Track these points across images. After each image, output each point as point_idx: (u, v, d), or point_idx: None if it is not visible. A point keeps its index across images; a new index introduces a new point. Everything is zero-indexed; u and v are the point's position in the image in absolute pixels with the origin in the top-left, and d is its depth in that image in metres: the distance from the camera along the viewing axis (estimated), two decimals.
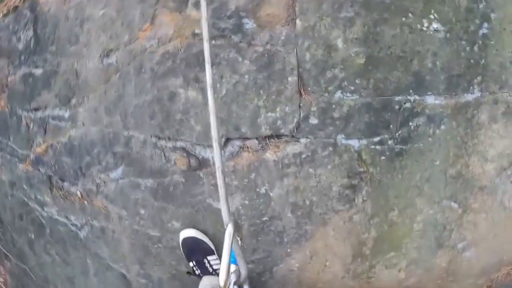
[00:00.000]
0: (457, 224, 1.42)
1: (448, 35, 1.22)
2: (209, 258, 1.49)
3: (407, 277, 1.50)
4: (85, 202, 1.59)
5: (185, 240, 1.48)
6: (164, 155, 1.41)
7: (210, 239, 1.49)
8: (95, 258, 1.72)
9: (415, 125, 1.30)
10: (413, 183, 1.35)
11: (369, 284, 1.51)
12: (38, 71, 1.57)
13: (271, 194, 1.36)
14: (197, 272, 1.50)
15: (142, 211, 1.51)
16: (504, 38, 1.24)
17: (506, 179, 1.39)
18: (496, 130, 1.32)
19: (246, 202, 1.39)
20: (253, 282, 1.53)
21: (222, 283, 0.75)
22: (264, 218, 1.40)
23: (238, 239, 0.88)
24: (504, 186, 1.40)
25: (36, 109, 1.62)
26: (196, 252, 1.48)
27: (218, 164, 0.83)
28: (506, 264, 1.54)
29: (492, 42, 1.24)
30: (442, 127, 1.30)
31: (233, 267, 0.86)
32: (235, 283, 0.81)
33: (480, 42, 1.23)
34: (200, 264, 1.48)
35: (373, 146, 1.31)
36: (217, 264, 1.50)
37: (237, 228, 0.81)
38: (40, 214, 1.72)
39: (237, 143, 1.35)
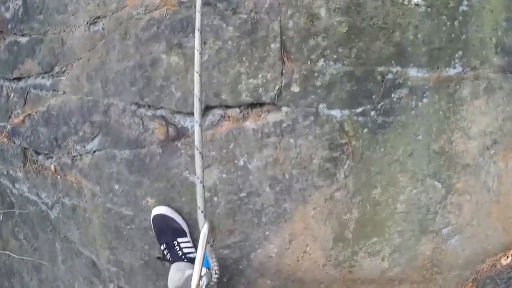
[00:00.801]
0: (441, 206, 1.36)
1: (428, 9, 1.24)
2: (179, 240, 1.38)
3: (390, 266, 1.42)
4: (58, 177, 1.52)
5: (156, 217, 1.39)
6: (143, 124, 1.37)
7: (184, 219, 1.41)
8: (64, 242, 1.61)
9: (398, 97, 1.28)
10: (395, 158, 1.31)
11: (351, 273, 1.43)
12: (23, 39, 1.57)
13: (249, 166, 1.31)
14: (167, 257, 1.39)
15: (116, 186, 1.44)
16: (484, 16, 1.27)
17: (489, 159, 1.36)
18: (478, 107, 1.31)
19: (224, 175, 1.33)
20: (230, 270, 1.44)
21: (194, 286, 0.74)
22: (242, 194, 1.34)
23: (211, 240, 0.85)
24: (487, 166, 1.37)
25: (18, 79, 1.59)
26: (167, 232, 1.38)
27: (197, 142, 0.83)
28: (491, 255, 1.47)
29: (472, 20, 1.26)
30: (425, 100, 1.29)
31: (204, 270, 0.85)
32: (207, 286, 0.81)
33: (461, 18, 1.25)
34: (170, 247, 1.37)
35: (355, 117, 1.28)
36: (188, 248, 1.39)
37: (212, 229, 0.80)
38: (10, 192, 1.64)
39: (218, 111, 1.33)
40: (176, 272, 1.32)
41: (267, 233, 1.37)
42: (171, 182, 1.37)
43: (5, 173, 1.63)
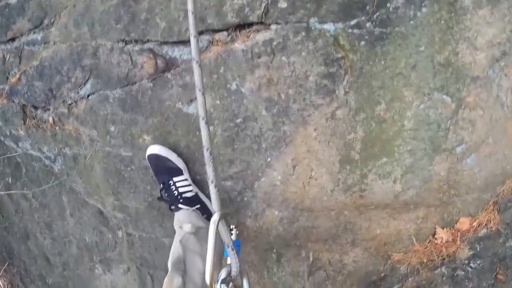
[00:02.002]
0: (452, 122, 1.26)
1: None
2: (175, 179, 1.33)
3: (404, 189, 1.34)
4: (57, 128, 1.52)
5: (150, 157, 1.36)
6: (131, 60, 1.33)
7: (179, 157, 1.36)
8: (70, 194, 1.61)
9: (394, 6, 1.18)
10: (398, 71, 1.22)
11: (362, 198, 1.35)
12: (13, 0, 1.56)
13: (242, 90, 1.25)
14: (165, 196, 1.36)
15: (112, 128, 1.42)
16: None
17: (499, 71, 1.25)
18: (483, 16, 1.19)
19: (217, 102, 1.28)
20: (235, 204, 1.39)
21: (208, 280, 0.65)
22: (238, 120, 1.29)
23: (232, 227, 0.74)
24: (499, 79, 1.25)
25: (12, 39, 1.59)
26: (162, 172, 1.34)
27: (201, 113, 0.76)
28: (510, 176, 1.36)
29: None
30: (424, 9, 1.18)
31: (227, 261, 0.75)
32: (223, 281, 0.69)
33: None
34: (167, 187, 1.33)
35: (350, 30, 1.20)
36: (183, 187, 1.34)
37: (227, 216, 0.72)
38: (15, 152, 1.65)
39: (206, 37, 1.27)
40: (181, 221, 1.29)
41: (269, 159, 1.31)
42: (165, 116, 1.33)
43: (8, 134, 1.64)
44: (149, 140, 1.38)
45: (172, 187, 1.33)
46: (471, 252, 1.42)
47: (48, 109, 1.52)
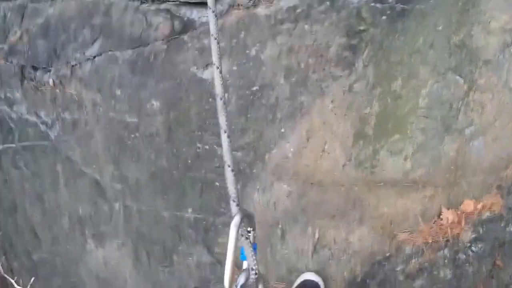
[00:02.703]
0: (464, 103, 1.29)
1: None
2: None
3: (414, 167, 1.34)
4: (57, 90, 1.44)
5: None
6: (146, 20, 1.29)
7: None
8: (65, 164, 1.52)
9: None
10: (416, 48, 1.23)
11: (373, 174, 1.35)
12: None
13: (262, 56, 1.23)
14: None
15: (119, 92, 1.36)
16: None
17: (509, 57, 1.29)
18: (497, 2, 1.24)
19: (234, 67, 1.25)
20: (243, 176, 1.36)
21: (227, 285, 0.65)
22: (254, 88, 1.26)
23: (251, 232, 0.73)
24: (509, 64, 1.30)
25: None
26: None
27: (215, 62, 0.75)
28: None
29: None
30: None
31: (244, 264, 0.73)
32: (242, 287, 0.68)
33: None
34: None
35: (373, 4, 1.20)
36: None
37: (249, 219, 0.70)
38: (9, 117, 1.55)
39: (227, 0, 1.24)
40: None
41: (283, 130, 1.29)
42: (178, 80, 1.29)
43: (3, 97, 1.54)
44: (158, 106, 1.33)
45: None
46: (474, 235, 1.44)
47: (49, 70, 1.44)
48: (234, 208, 0.70)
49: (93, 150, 1.46)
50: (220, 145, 1.48)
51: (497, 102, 1.32)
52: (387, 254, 1.46)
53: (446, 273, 1.49)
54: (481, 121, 1.32)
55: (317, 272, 1.45)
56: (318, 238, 1.45)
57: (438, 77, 1.26)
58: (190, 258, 1.54)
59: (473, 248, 1.47)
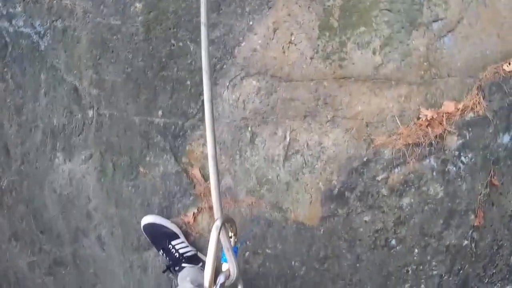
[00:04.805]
0: None
1: None
2: (173, 243, 1.43)
3: (384, 62, 1.33)
4: (54, 1, 1.58)
5: (145, 227, 1.46)
6: None
7: (173, 222, 1.47)
8: (49, 71, 1.59)
9: None
10: None
11: (342, 68, 1.34)
12: None
13: None
14: (167, 260, 1.44)
15: None
16: None
17: None
18: None
19: None
20: (214, 73, 1.37)
21: (207, 284, 0.71)
22: None
23: (231, 235, 0.83)
24: None
25: None
26: (159, 238, 1.44)
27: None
28: (491, 62, 1.37)
29: None
30: None
31: (224, 266, 0.81)
32: (222, 285, 0.75)
33: None
34: (167, 252, 1.42)
35: None
36: (183, 248, 1.43)
37: (231, 223, 0.80)
38: (6, 32, 1.67)
39: None
40: (187, 274, 1.34)
41: (251, 22, 1.34)
42: None
43: (5, 13, 1.67)
44: (139, 7, 1.44)
45: (172, 250, 1.42)
46: (460, 141, 1.33)
47: None
48: (217, 213, 0.73)
49: (76, 55, 1.53)
50: (192, 41, 1.55)
51: None
52: (365, 159, 1.36)
53: (437, 189, 1.35)
54: (447, 16, 1.34)
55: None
56: (289, 142, 1.38)
57: None
58: (156, 169, 1.46)
59: (463, 159, 1.34)
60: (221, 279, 0.75)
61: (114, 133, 1.49)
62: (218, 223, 0.72)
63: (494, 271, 1.35)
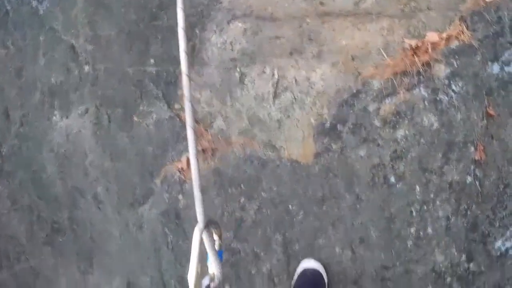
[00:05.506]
0: None
1: None
2: None
3: None
4: None
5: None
6: None
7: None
8: (48, 33, 1.66)
9: None
10: None
11: (323, 5, 1.38)
12: None
13: None
14: None
15: None
16: None
17: None
18: None
19: None
20: (202, 19, 1.42)
21: (191, 286, 0.72)
22: None
23: (216, 238, 0.82)
24: None
25: None
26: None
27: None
28: None
29: None
30: None
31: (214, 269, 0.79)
32: (207, 287, 0.75)
33: None
34: None
35: None
36: None
37: (214, 226, 0.79)
38: (8, 0, 1.75)
39: None
40: None
41: None
42: None
43: None
44: None
45: None
46: (449, 69, 1.34)
47: None
48: (199, 216, 0.73)
49: (73, 15, 1.60)
50: None
51: None
52: (354, 90, 1.37)
53: (431, 120, 1.35)
54: None
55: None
56: (278, 79, 1.41)
57: None
58: (150, 118, 1.48)
59: (453, 87, 1.35)
60: (205, 281, 0.73)
61: (109, 86, 1.54)
62: (200, 225, 0.70)
63: (504, 213, 1.28)
